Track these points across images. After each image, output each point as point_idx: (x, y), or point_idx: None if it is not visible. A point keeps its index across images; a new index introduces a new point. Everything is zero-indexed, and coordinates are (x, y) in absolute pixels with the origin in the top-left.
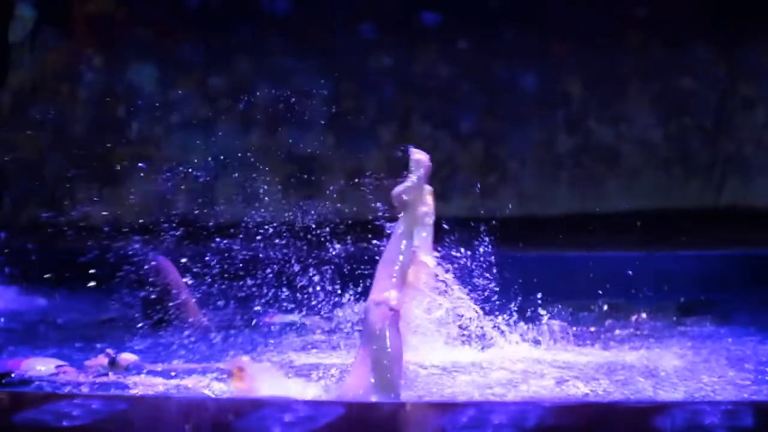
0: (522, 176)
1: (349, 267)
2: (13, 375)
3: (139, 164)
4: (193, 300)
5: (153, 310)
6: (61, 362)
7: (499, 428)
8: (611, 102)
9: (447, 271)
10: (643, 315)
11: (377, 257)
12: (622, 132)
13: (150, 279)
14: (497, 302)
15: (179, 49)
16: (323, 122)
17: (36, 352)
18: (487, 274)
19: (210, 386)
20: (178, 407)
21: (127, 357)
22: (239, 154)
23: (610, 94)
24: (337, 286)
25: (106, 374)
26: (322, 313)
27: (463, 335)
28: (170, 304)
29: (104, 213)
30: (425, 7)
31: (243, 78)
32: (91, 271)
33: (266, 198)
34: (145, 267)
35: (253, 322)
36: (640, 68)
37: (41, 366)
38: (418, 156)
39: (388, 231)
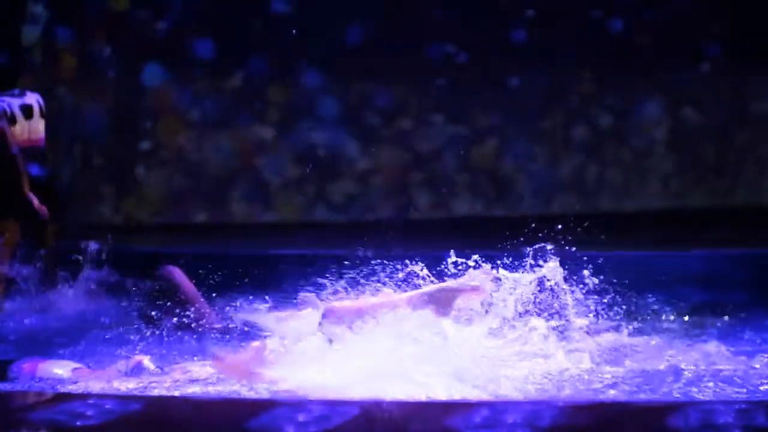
0: (530, 174)
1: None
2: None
3: (155, 163)
4: (209, 305)
5: (154, 311)
6: (76, 365)
7: (513, 428)
8: (621, 98)
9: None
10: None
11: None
12: (631, 129)
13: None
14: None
15: (193, 46)
16: (336, 119)
17: (51, 355)
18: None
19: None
20: (192, 407)
21: (141, 359)
22: (254, 152)
23: (620, 91)
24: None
25: (123, 377)
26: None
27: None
28: (183, 312)
29: (119, 213)
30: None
31: (256, 76)
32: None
33: (281, 196)
34: (154, 277)
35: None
36: (650, 64)
37: (57, 369)
38: None
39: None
